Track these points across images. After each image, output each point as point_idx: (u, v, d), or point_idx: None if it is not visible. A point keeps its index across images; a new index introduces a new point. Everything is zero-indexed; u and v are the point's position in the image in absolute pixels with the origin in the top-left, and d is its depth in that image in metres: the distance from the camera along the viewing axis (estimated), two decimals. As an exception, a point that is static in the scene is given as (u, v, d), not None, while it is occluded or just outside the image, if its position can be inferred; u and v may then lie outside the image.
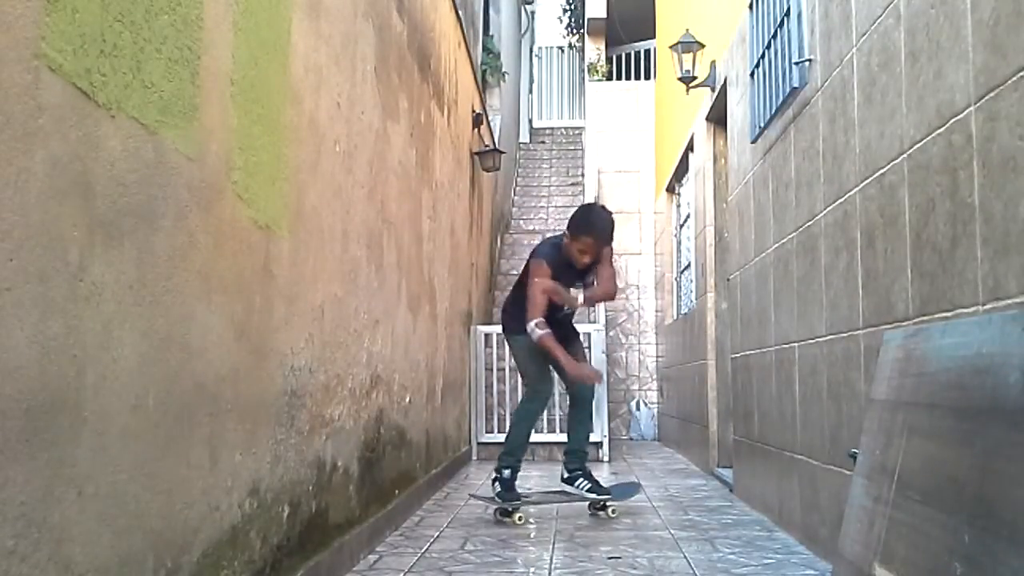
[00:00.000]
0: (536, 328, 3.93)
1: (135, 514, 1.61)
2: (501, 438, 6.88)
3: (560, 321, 4.19)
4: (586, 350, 7.55)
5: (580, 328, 8.05)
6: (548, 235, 5.17)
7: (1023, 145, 1.77)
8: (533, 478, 5.61)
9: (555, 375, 4.29)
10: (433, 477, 4.97)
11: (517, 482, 4.20)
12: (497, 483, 4.16)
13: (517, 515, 4.06)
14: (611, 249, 4.21)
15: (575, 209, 4.30)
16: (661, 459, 7.37)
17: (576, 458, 4.24)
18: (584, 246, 4.01)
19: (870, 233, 2.71)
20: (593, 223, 4.05)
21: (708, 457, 6.09)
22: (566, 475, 4.22)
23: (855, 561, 2.04)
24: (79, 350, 1.42)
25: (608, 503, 4.14)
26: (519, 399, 7.04)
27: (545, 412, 7.04)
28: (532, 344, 4.03)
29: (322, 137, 2.80)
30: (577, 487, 4.17)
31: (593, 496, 4.15)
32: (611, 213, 4.18)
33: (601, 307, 8.03)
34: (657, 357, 9.80)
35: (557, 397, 6.31)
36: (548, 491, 4.58)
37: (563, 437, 4.75)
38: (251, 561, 2.17)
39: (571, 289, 4.11)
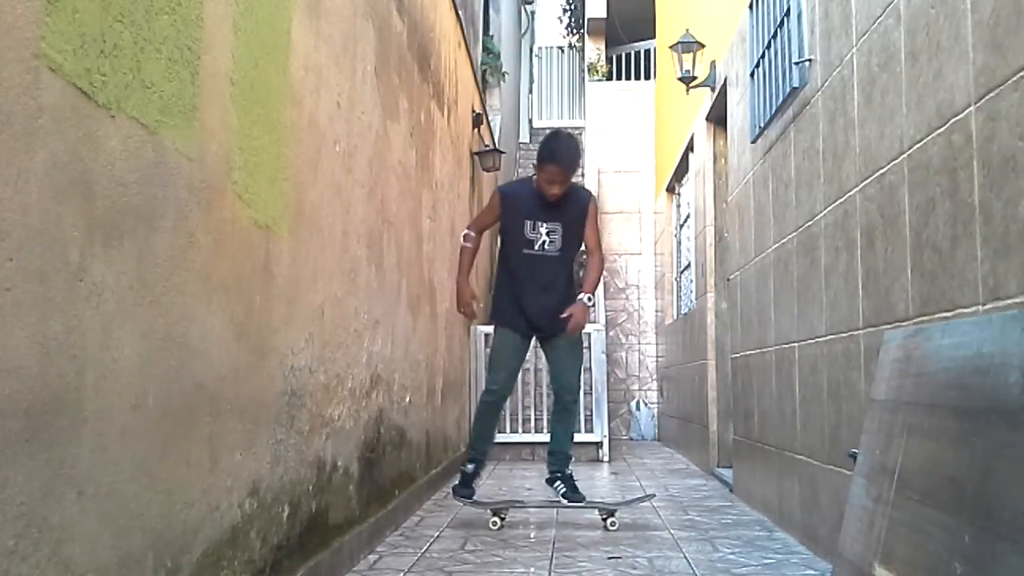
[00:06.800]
0: (462, 238, 4.19)
1: (135, 514, 1.61)
2: (501, 438, 6.92)
3: (535, 271, 4.01)
4: (585, 350, 7.58)
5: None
6: None
7: (1023, 145, 1.77)
8: (534, 478, 5.61)
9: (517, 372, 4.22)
10: (433, 477, 4.96)
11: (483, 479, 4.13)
12: (459, 476, 4.12)
13: (492, 520, 3.89)
14: (596, 208, 4.15)
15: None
16: (661, 459, 7.37)
17: (556, 460, 4.10)
18: (551, 175, 3.90)
19: (870, 233, 2.71)
20: (555, 149, 3.92)
21: (708, 457, 6.09)
22: (547, 475, 4.14)
23: (855, 561, 2.04)
24: (79, 350, 1.42)
25: (609, 518, 3.89)
26: (519, 399, 7.07)
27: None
28: (502, 333, 4.10)
29: (322, 137, 2.80)
30: (555, 488, 4.06)
31: (565, 502, 4.00)
32: (576, 140, 4.09)
33: (601, 307, 8.02)
34: (657, 357, 9.80)
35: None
36: (546, 497, 4.43)
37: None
38: (251, 561, 2.17)
39: (544, 226, 4.00)
